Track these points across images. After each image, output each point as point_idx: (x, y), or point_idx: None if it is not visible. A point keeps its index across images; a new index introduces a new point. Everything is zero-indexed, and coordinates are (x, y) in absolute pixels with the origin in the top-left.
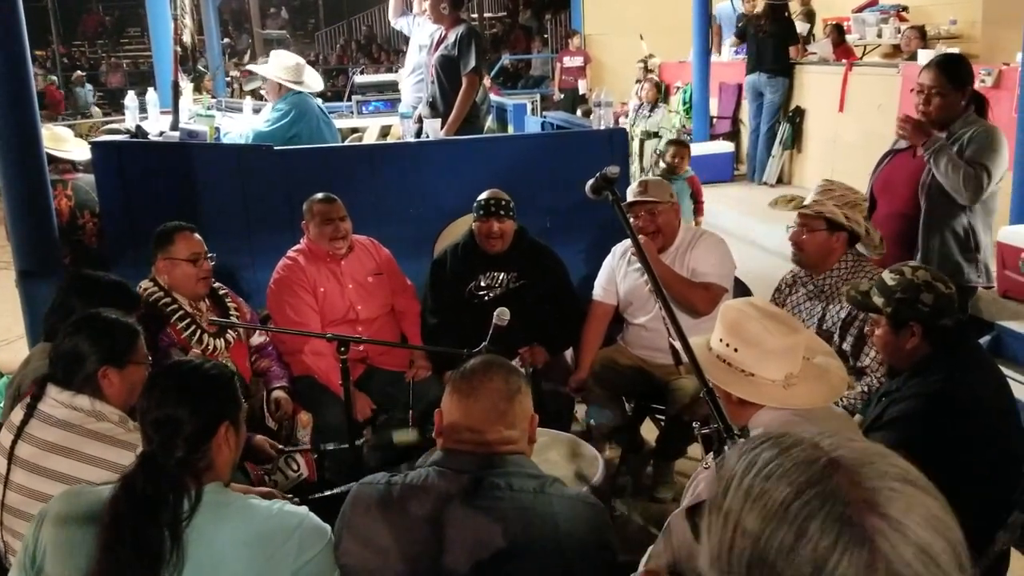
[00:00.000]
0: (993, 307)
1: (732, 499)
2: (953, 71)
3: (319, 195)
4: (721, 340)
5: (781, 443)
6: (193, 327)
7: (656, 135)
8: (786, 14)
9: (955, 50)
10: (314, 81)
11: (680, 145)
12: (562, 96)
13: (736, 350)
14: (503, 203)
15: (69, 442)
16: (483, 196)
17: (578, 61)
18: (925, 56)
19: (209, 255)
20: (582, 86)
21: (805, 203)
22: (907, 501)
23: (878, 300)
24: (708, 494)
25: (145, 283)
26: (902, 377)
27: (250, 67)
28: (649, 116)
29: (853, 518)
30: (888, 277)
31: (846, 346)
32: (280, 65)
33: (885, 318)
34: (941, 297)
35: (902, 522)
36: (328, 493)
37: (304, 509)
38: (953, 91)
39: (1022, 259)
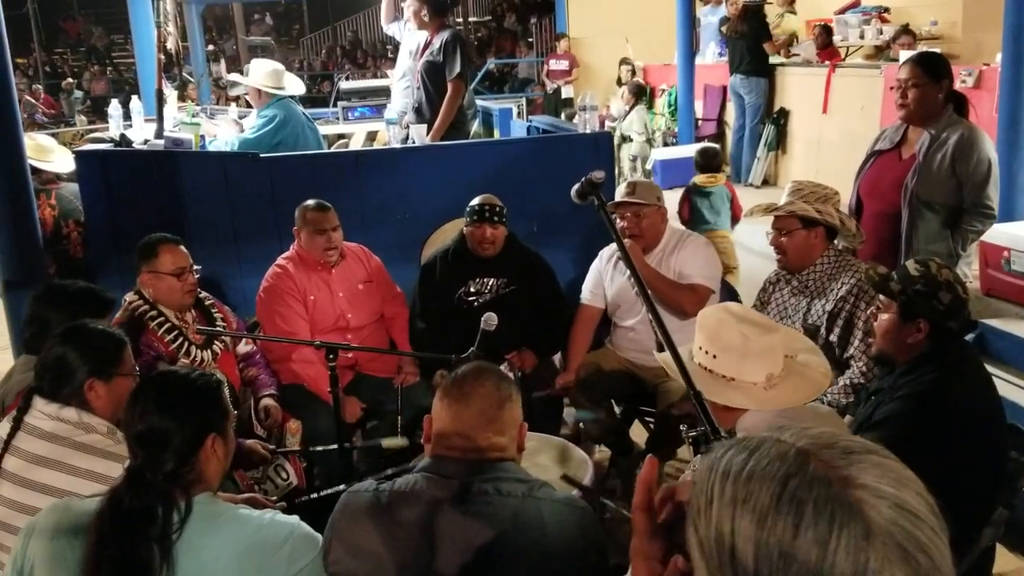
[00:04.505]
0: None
1: (719, 512)
2: (929, 64)
3: (312, 202)
4: (700, 348)
5: (747, 446)
6: (181, 339)
7: (629, 139)
8: (761, 14)
9: (936, 50)
10: (294, 85)
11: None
12: (551, 91)
13: (715, 356)
14: (496, 209)
15: (57, 455)
16: (476, 201)
17: (563, 64)
18: (905, 57)
19: (195, 268)
20: (565, 91)
21: (777, 207)
22: (875, 468)
23: (895, 286)
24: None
25: (130, 296)
26: (893, 375)
27: (231, 77)
28: (624, 120)
29: (840, 495)
30: (912, 267)
31: (833, 338)
32: (260, 72)
33: (897, 305)
34: (957, 300)
35: (878, 487)
36: (315, 496)
37: (295, 518)
38: (930, 83)
39: (1005, 257)
